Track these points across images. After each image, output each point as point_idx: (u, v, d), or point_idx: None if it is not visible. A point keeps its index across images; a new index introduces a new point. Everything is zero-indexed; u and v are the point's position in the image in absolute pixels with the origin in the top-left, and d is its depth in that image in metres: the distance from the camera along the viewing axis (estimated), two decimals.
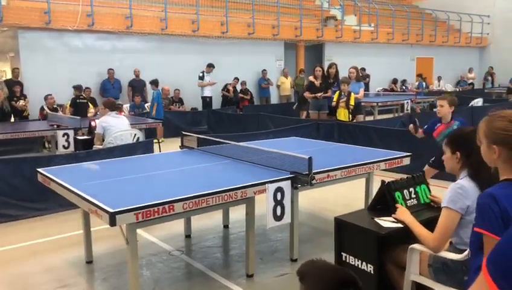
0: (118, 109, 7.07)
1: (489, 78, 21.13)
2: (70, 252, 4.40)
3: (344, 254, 2.92)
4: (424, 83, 17.75)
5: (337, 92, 8.72)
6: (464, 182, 2.47)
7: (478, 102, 12.82)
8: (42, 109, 10.32)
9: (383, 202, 2.93)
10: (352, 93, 8.64)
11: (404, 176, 3.20)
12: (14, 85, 10.49)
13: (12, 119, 10.27)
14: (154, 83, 11.32)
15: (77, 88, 10.62)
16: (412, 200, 3.00)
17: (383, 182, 3.03)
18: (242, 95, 14.19)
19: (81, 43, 11.97)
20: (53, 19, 10.95)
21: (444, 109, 5.12)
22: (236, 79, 14.01)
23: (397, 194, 2.94)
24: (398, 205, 2.84)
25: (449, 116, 5.13)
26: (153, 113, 11.04)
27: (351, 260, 2.87)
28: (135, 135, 6.56)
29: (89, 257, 4.18)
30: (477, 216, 1.89)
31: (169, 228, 4.70)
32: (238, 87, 14.17)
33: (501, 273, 0.74)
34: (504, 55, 21.23)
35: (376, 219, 2.85)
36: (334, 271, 1.53)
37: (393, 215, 2.79)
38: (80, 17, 11.28)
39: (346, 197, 5.56)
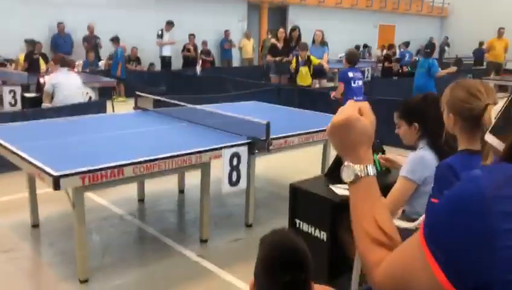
0: (69, 65, 6.69)
1: (446, 48, 21.51)
2: (15, 215, 4.19)
3: (298, 221, 2.89)
4: (407, 53, 16.90)
5: (294, 58, 8.57)
6: (424, 152, 2.43)
7: None
8: None
9: (339, 169, 2.89)
10: (312, 57, 8.51)
11: None
12: None
13: None
14: (116, 40, 10.84)
15: (30, 42, 9.96)
16: None
17: None
18: (204, 57, 13.80)
19: None
20: None
21: (344, 64, 6.61)
22: (192, 36, 13.34)
23: None
24: None
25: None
26: (118, 73, 10.64)
27: (304, 226, 2.85)
28: (87, 93, 6.25)
29: (35, 221, 3.98)
30: (435, 187, 1.87)
31: (122, 191, 4.53)
32: (199, 48, 13.73)
33: (432, 238, 0.73)
34: (463, 26, 21.63)
35: (331, 186, 2.82)
36: (282, 250, 1.43)
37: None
38: None
39: (303, 162, 5.55)
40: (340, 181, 2.85)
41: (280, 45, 9.38)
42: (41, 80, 6.35)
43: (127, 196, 4.64)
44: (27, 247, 3.73)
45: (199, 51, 13.65)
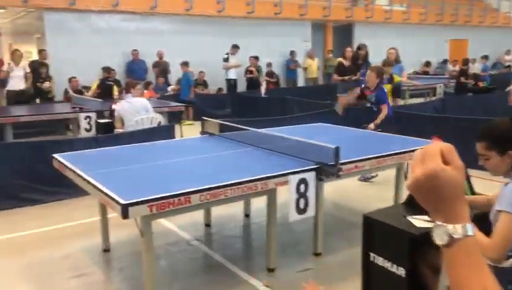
0: (145, 87, 6.93)
1: None
2: (88, 239, 4.31)
3: (372, 254, 2.68)
4: (488, 65, 16.16)
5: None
6: None
7: None
8: (66, 91, 10.30)
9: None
10: (394, 74, 8.24)
11: None
12: (40, 66, 10.49)
13: (38, 101, 10.30)
14: (186, 64, 11.26)
15: (105, 69, 10.54)
16: None
17: None
18: (267, 78, 13.85)
19: (106, 24, 11.87)
20: None
21: (372, 78, 6.04)
22: (254, 58, 13.17)
23: None
24: None
25: (375, 85, 6.05)
26: (191, 96, 11.06)
27: (379, 260, 2.63)
28: (156, 119, 6.41)
29: (106, 245, 4.07)
30: None
31: (189, 215, 4.52)
32: (263, 69, 13.77)
33: None
34: None
35: (409, 218, 2.59)
36: None
37: None
38: None
39: (372, 185, 5.30)
40: (419, 211, 2.63)
41: (347, 64, 9.19)
42: (114, 106, 6.62)
43: (193, 220, 4.63)
44: (98, 272, 3.79)
45: (264, 72, 13.70)
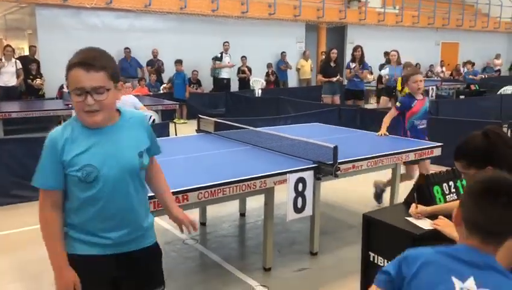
0: (130, 86, 6.86)
1: None
2: None
3: (372, 254, 2.67)
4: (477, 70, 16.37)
5: (400, 79, 8.29)
6: None
7: (507, 90, 12.31)
8: (61, 87, 10.17)
9: (420, 197, 2.64)
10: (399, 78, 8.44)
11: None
12: (30, 63, 10.37)
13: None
14: (180, 62, 11.24)
15: None
16: (451, 194, 2.73)
17: (421, 174, 2.74)
18: (267, 78, 13.93)
19: (99, 21, 11.77)
20: None
21: (423, 83, 4.78)
22: (245, 58, 13.29)
23: (436, 188, 2.67)
24: (441, 217, 2.46)
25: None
26: (187, 95, 11.03)
27: (380, 260, 2.63)
28: (151, 117, 6.35)
29: None
30: None
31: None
32: (260, 70, 13.76)
33: None
34: None
35: (409, 219, 2.58)
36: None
37: (435, 224, 2.45)
38: None
39: (368, 186, 5.30)
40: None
41: (332, 65, 9.44)
42: None
43: None
44: None
45: (265, 72, 13.73)
